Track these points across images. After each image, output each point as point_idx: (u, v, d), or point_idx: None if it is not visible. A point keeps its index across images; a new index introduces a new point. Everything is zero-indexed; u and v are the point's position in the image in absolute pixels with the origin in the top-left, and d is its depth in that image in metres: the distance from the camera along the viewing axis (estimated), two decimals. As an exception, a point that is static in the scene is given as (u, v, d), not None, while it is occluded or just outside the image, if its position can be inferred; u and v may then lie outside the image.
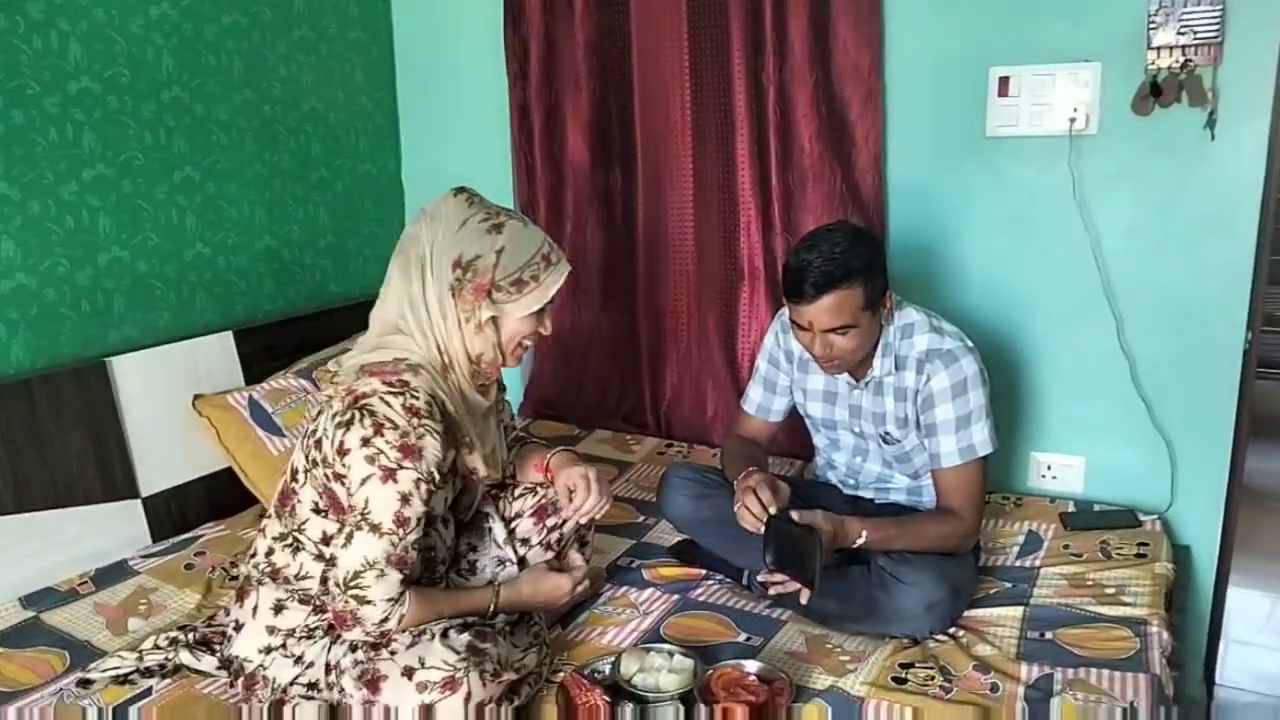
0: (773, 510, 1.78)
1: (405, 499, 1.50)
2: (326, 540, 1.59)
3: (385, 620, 1.52)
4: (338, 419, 1.51)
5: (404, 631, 1.57)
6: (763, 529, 1.77)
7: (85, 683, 1.71)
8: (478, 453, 1.65)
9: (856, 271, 1.81)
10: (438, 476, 1.54)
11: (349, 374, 1.57)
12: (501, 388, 1.95)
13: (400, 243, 1.61)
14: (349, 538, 1.51)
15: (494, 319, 1.59)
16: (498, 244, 1.56)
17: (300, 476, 1.61)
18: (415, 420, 1.49)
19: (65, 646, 1.84)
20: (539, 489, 1.89)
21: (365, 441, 1.48)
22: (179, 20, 2.41)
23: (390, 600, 1.52)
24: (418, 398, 1.51)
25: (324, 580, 1.60)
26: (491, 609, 1.69)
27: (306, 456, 1.59)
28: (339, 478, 1.51)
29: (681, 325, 2.85)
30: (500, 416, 1.89)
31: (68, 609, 1.97)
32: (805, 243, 1.86)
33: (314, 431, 1.58)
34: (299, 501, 1.61)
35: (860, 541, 1.81)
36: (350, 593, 1.51)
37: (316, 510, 1.59)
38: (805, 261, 1.80)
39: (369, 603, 1.51)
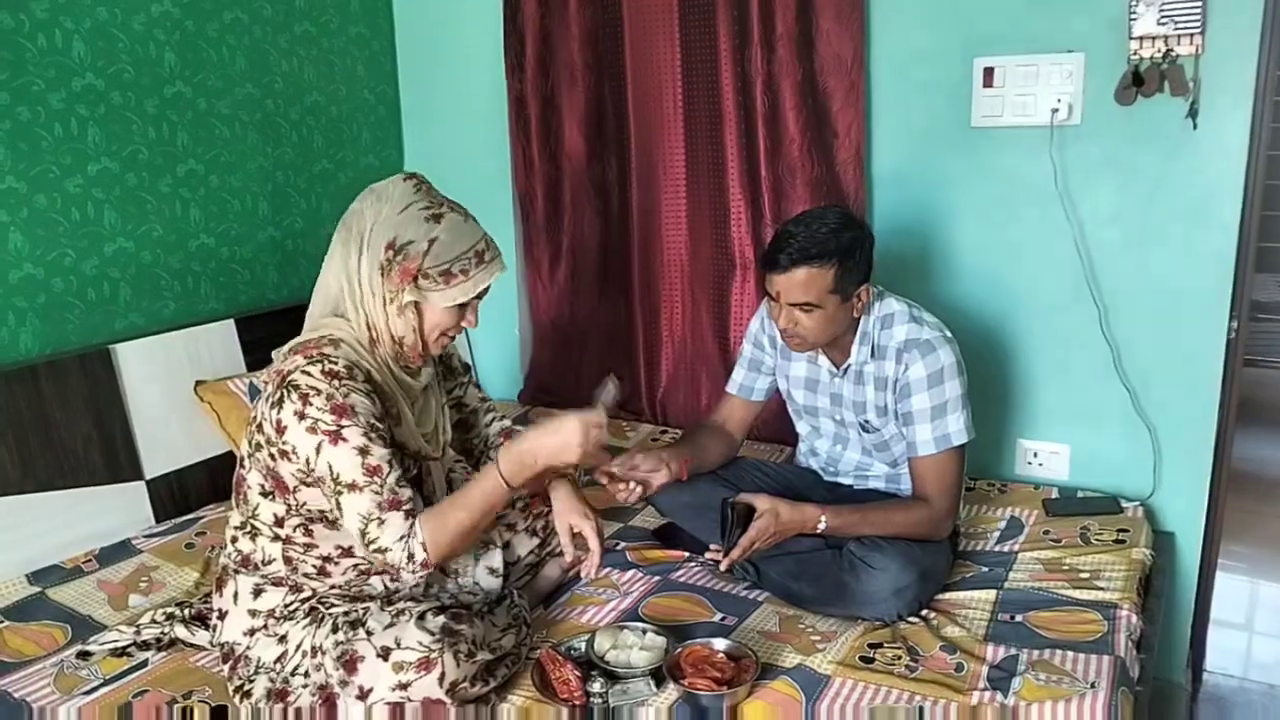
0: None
1: (364, 451, 1.54)
2: (280, 522, 1.64)
3: (411, 557, 1.55)
4: (269, 400, 1.57)
5: (456, 553, 1.67)
6: (633, 499, 1.96)
7: (84, 655, 1.79)
8: (405, 426, 1.69)
9: (833, 253, 1.85)
10: (380, 425, 1.58)
11: (280, 357, 1.63)
12: (466, 368, 2.01)
13: (345, 216, 1.65)
14: (338, 506, 1.56)
15: (416, 305, 1.62)
16: (433, 233, 1.59)
17: (245, 463, 1.66)
18: (336, 382, 1.54)
19: (68, 621, 1.92)
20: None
21: (299, 415, 1.53)
22: (181, 17, 2.48)
23: (402, 538, 1.55)
24: (335, 363, 1.56)
25: (289, 561, 1.66)
26: (506, 486, 1.63)
27: (249, 442, 1.65)
28: (284, 454, 1.56)
29: (676, 314, 2.89)
30: (460, 398, 1.96)
31: (72, 585, 2.05)
32: (796, 217, 1.93)
33: (254, 417, 1.64)
34: (249, 488, 1.66)
35: (821, 527, 1.85)
36: (371, 550, 1.56)
37: (264, 494, 1.64)
38: (789, 233, 1.87)
39: (387, 549, 1.55)
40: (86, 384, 2.24)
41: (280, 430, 1.55)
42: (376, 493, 1.55)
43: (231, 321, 2.57)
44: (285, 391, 1.55)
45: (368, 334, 1.64)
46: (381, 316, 1.62)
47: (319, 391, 1.53)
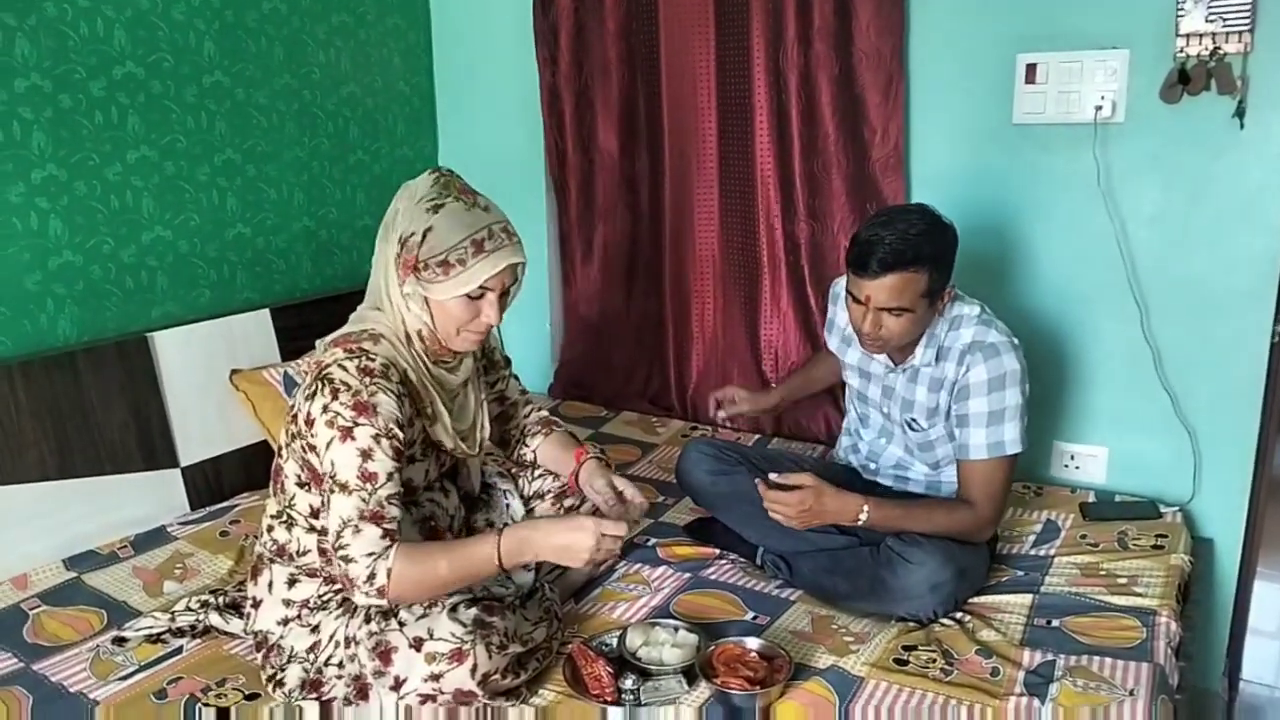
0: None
1: (366, 454, 1.52)
2: (315, 513, 1.64)
3: (373, 576, 1.49)
4: (305, 391, 1.58)
5: (411, 599, 1.55)
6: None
7: (120, 640, 1.81)
8: (440, 425, 1.68)
9: (926, 257, 1.79)
10: (400, 432, 1.56)
11: (322, 348, 1.64)
12: (508, 362, 2.01)
13: (386, 214, 1.66)
14: (326, 503, 1.54)
15: (425, 299, 1.60)
16: (429, 223, 1.56)
17: (283, 452, 1.67)
18: (368, 379, 1.54)
19: (104, 606, 1.94)
20: (562, 476, 1.96)
21: (325, 408, 1.53)
22: (220, 7, 2.49)
23: (371, 555, 1.50)
24: (373, 360, 1.56)
25: (323, 552, 1.65)
26: (497, 560, 1.58)
27: (287, 432, 1.65)
28: (312, 448, 1.56)
29: (707, 310, 2.88)
30: (502, 391, 1.96)
31: (108, 571, 2.07)
32: (880, 218, 1.84)
33: (292, 408, 1.64)
34: (285, 477, 1.66)
35: (863, 518, 1.83)
36: (338, 554, 1.52)
37: (300, 484, 1.64)
38: (878, 236, 1.79)
39: (352, 560, 1.51)
40: (123, 371, 2.26)
41: (309, 423, 1.55)
42: (363, 500, 1.52)
43: (266, 311, 2.58)
44: (319, 384, 1.55)
45: (402, 328, 1.64)
46: (401, 309, 1.62)
47: (348, 387, 1.53)
